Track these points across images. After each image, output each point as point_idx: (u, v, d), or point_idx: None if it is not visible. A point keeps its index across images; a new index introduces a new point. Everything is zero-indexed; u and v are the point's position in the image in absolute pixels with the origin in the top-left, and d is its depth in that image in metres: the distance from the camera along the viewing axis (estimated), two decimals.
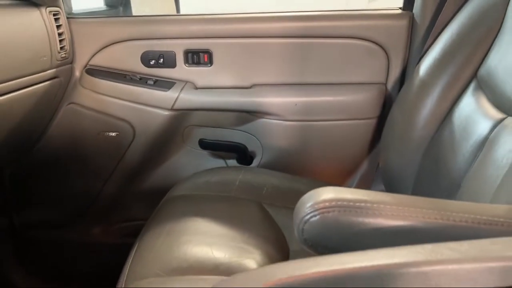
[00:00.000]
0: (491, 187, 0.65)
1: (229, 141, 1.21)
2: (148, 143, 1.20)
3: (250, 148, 1.21)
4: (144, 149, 1.20)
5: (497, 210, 0.51)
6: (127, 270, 0.72)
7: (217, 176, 1.07)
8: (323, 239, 0.49)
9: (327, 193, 0.50)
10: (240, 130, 1.21)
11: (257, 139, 1.20)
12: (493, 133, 0.76)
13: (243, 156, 1.21)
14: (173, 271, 0.69)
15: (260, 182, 1.05)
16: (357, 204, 0.48)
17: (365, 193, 0.50)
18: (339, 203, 0.48)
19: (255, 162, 1.23)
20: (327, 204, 0.48)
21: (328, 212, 0.48)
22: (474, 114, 0.85)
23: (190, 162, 1.24)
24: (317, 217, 0.48)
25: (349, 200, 0.48)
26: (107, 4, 1.38)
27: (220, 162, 1.25)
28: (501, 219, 0.49)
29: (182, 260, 0.71)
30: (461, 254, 0.38)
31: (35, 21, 0.94)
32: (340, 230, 0.48)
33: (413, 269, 0.37)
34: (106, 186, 1.24)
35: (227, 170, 1.13)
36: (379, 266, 0.37)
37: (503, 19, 0.86)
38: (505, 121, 0.75)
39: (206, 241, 0.77)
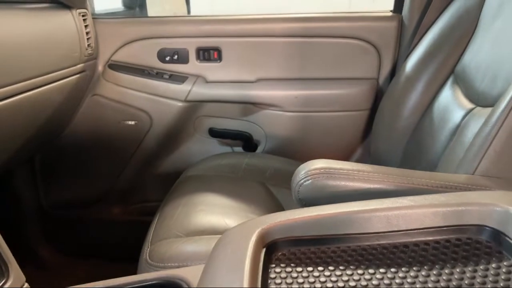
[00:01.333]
0: (456, 163, 0.77)
1: (236, 130, 1.33)
2: (163, 131, 1.32)
3: (254, 136, 1.34)
4: (160, 136, 1.33)
5: (453, 177, 0.64)
6: (151, 234, 0.85)
7: (226, 160, 1.19)
8: (314, 198, 0.61)
9: (318, 163, 0.62)
10: (246, 120, 1.33)
11: (261, 128, 1.32)
12: (464, 120, 0.88)
13: (249, 143, 1.33)
14: (190, 233, 0.81)
15: (264, 166, 1.17)
16: (341, 171, 0.60)
17: (348, 163, 0.63)
18: (326, 170, 0.60)
19: (259, 149, 1.35)
20: (317, 171, 0.61)
21: (318, 177, 0.60)
22: (451, 105, 0.96)
23: (200, 149, 1.36)
24: (309, 181, 0.60)
25: (334, 168, 0.61)
26: (124, 5, 1.50)
27: (227, 149, 1.37)
28: (455, 184, 0.61)
29: (198, 225, 0.83)
30: (414, 202, 0.50)
31: (68, 21, 1.06)
32: (327, 191, 0.60)
33: (379, 214, 0.49)
34: (126, 170, 1.37)
35: (234, 155, 1.25)
36: (352, 212, 0.50)
37: (477, 23, 0.98)
38: (474, 110, 0.87)
39: (218, 211, 0.90)
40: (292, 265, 0.46)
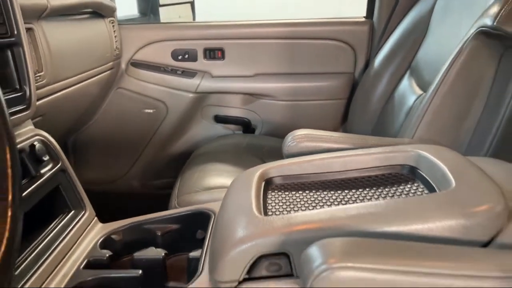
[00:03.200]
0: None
1: (237, 116, 1.57)
2: (177, 118, 1.56)
3: (252, 121, 1.58)
4: (173, 122, 1.56)
5: (396, 140, 0.88)
6: (176, 191, 1.09)
7: (229, 141, 1.43)
8: (298, 154, 0.85)
9: (301, 131, 0.87)
10: (245, 108, 1.57)
11: (258, 114, 1.56)
12: (414, 103, 1.13)
13: (248, 127, 1.58)
14: (206, 189, 1.06)
15: (261, 145, 1.41)
16: (317, 135, 0.85)
17: (322, 131, 0.87)
18: (307, 135, 0.85)
19: (256, 132, 1.59)
20: (300, 136, 0.85)
21: (300, 140, 0.85)
22: (407, 92, 1.21)
23: (207, 132, 1.60)
24: (294, 143, 0.85)
25: (314, 134, 0.85)
26: (140, 12, 1.74)
27: (230, 133, 1.61)
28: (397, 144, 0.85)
29: (212, 183, 1.08)
30: (362, 152, 0.74)
31: (102, 28, 1.29)
32: (307, 150, 0.84)
33: (339, 159, 0.73)
34: (144, 151, 1.60)
35: (236, 136, 1.49)
36: (322, 158, 0.74)
37: (427, 28, 1.22)
38: (422, 96, 1.11)
39: (226, 174, 1.14)
40: (282, 191, 0.70)
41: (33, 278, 0.63)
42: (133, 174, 1.63)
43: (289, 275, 0.56)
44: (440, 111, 0.90)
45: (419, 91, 1.14)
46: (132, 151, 1.60)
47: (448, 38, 1.06)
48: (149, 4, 1.73)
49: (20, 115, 0.76)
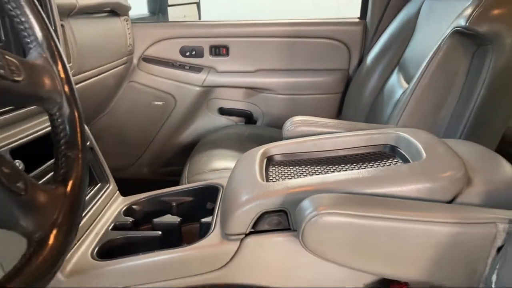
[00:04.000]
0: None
1: (240, 109, 1.68)
2: (184, 110, 1.67)
3: (254, 114, 1.69)
4: (181, 114, 1.68)
5: (382, 126, 1.00)
6: (186, 173, 1.20)
7: (233, 131, 1.55)
8: (295, 137, 0.96)
9: (299, 117, 0.98)
10: (247, 102, 1.68)
11: (259, 107, 1.68)
12: (401, 96, 1.24)
13: (250, 119, 1.69)
14: (213, 170, 1.17)
15: (262, 134, 1.52)
16: (313, 121, 0.96)
17: (317, 118, 0.98)
18: (302, 120, 0.96)
19: (258, 123, 1.70)
20: (298, 121, 0.96)
21: (299, 125, 0.96)
22: (395, 86, 1.32)
23: (211, 124, 1.71)
24: (292, 127, 0.96)
25: (309, 119, 0.97)
26: (149, 11, 1.85)
27: (233, 124, 1.73)
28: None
29: (218, 166, 1.19)
30: (350, 133, 0.86)
31: (118, 26, 1.41)
32: (303, 133, 0.96)
33: (330, 140, 0.85)
34: (154, 140, 1.71)
35: (239, 127, 1.61)
36: (315, 139, 0.85)
37: (414, 29, 1.34)
38: (407, 88, 1.23)
39: (230, 158, 1.25)
40: (282, 166, 0.82)
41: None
42: (144, 162, 1.74)
43: (287, 229, 0.67)
44: (421, 101, 1.02)
45: (406, 85, 1.25)
46: (142, 140, 1.71)
47: (430, 37, 1.17)
48: (158, 4, 1.84)
49: None
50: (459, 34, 0.96)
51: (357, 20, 1.62)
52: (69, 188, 0.44)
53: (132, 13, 1.66)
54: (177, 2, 1.89)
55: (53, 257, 0.39)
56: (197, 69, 1.62)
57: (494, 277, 0.55)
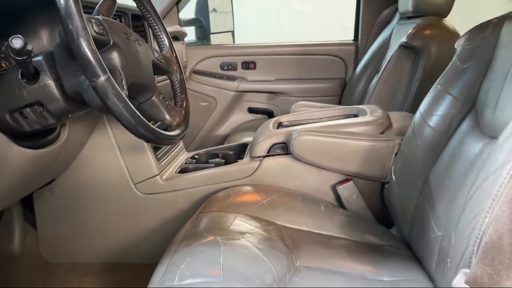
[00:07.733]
0: None
1: (264, 108, 2.18)
2: (222, 109, 2.18)
3: (274, 112, 2.18)
4: (220, 112, 2.18)
5: (355, 106, 1.48)
6: (226, 142, 1.70)
7: (260, 122, 2.04)
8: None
9: (301, 102, 1.47)
10: (269, 103, 2.18)
11: (278, 107, 2.17)
12: (370, 87, 1.71)
13: (271, 116, 2.18)
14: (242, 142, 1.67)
15: None
16: (310, 103, 1.45)
17: (312, 102, 1.47)
18: (304, 103, 1.45)
19: None
20: (300, 104, 1.45)
21: (300, 106, 1.45)
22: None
23: (242, 119, 2.21)
24: (296, 107, 1.45)
25: (307, 103, 1.46)
26: (197, 38, 2.40)
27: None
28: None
29: (245, 140, 1.69)
30: (332, 108, 1.34)
31: (178, 47, 1.94)
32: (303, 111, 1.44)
33: (322, 112, 1.33)
34: (199, 133, 2.23)
35: (262, 120, 2.10)
36: (309, 111, 1.34)
37: (387, 49, 1.80)
38: (373, 81, 1.70)
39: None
40: (287, 126, 1.30)
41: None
42: (191, 148, 2.25)
43: (286, 154, 1.15)
44: (382, 90, 1.50)
45: None
46: (191, 132, 2.23)
47: (392, 50, 1.65)
48: (203, 33, 2.40)
49: None
50: (404, 47, 1.44)
51: (351, 41, 2.11)
52: (183, 108, 0.95)
53: (186, 39, 2.21)
54: (217, 31, 2.43)
55: (179, 135, 0.89)
56: (232, 78, 2.14)
57: (392, 168, 1.02)
